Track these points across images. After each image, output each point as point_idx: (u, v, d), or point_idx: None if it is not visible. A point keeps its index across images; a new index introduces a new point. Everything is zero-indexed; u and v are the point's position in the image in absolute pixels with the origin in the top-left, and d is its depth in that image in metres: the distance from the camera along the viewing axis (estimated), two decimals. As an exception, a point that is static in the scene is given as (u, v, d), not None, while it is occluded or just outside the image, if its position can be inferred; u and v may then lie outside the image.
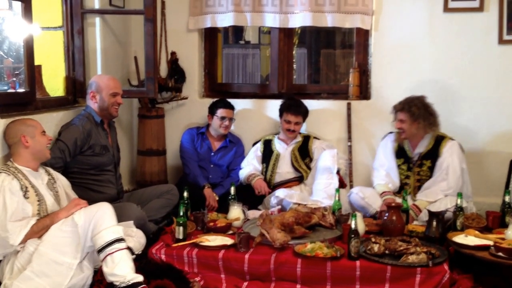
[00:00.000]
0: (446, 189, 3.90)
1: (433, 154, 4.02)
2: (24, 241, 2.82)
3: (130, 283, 2.78)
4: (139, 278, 2.81)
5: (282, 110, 4.46)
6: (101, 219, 2.82)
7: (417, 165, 4.06)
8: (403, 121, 3.98)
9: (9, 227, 2.78)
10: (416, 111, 3.95)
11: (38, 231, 2.84)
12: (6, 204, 2.80)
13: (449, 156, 3.96)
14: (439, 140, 4.04)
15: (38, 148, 3.04)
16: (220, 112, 4.50)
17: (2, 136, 3.06)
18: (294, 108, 4.40)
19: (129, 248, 3.17)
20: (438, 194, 3.90)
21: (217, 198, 4.31)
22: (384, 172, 4.13)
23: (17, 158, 3.00)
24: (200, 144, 4.60)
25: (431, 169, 4.02)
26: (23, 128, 3.01)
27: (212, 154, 4.60)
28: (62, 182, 3.28)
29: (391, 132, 4.26)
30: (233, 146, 4.67)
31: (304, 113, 4.45)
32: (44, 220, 2.87)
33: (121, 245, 2.82)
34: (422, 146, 4.06)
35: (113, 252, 2.79)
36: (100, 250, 2.80)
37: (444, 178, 3.94)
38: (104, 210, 2.88)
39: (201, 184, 4.36)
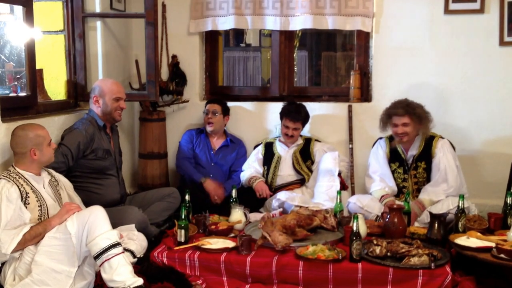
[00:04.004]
0: (447, 189, 3.91)
1: (426, 155, 4.03)
2: (17, 249, 2.80)
3: None
4: (139, 281, 2.81)
5: (282, 115, 4.48)
6: (94, 225, 2.79)
7: (412, 168, 4.07)
8: (407, 124, 3.95)
9: (2, 236, 2.77)
10: (422, 114, 3.96)
11: (31, 239, 2.83)
12: (1, 213, 2.80)
13: (443, 155, 3.97)
14: (430, 140, 4.05)
15: (44, 160, 3.05)
16: (205, 108, 4.61)
17: (9, 140, 3.05)
18: (293, 114, 4.40)
19: (130, 251, 3.20)
20: (440, 195, 3.90)
21: (218, 201, 4.32)
22: (378, 177, 4.13)
23: (20, 164, 3.00)
24: (199, 143, 4.62)
25: (427, 170, 4.03)
26: (34, 140, 2.97)
27: (213, 153, 4.61)
28: (65, 184, 3.29)
29: (380, 138, 4.27)
30: (235, 146, 4.68)
31: (303, 119, 4.46)
32: (37, 228, 2.84)
33: (117, 250, 2.80)
34: (415, 148, 4.07)
35: (110, 258, 2.76)
36: (96, 257, 2.78)
37: (444, 179, 3.94)
38: (97, 215, 2.83)
39: (198, 181, 4.38)
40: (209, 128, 4.59)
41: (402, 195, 3.98)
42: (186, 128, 4.88)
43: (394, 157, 4.14)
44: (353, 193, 4.53)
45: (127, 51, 4.90)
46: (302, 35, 7.71)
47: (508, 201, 3.55)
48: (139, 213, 3.60)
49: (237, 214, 3.69)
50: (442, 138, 4.07)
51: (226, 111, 4.65)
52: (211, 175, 4.54)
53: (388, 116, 4.03)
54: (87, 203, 3.25)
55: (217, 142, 4.66)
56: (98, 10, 4.35)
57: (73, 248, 2.79)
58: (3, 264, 2.91)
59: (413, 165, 4.06)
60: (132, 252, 3.22)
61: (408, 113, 3.94)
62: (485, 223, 3.58)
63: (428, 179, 4.04)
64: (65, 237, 2.80)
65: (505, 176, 4.17)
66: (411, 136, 4.00)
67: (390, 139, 4.18)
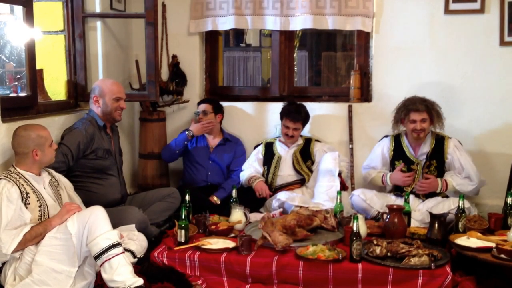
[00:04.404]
0: (471, 184, 3.98)
1: (438, 154, 4.06)
2: (18, 249, 2.81)
3: None
4: (140, 282, 2.81)
5: (282, 115, 4.48)
6: (94, 225, 2.79)
7: (426, 166, 4.08)
8: (425, 120, 3.98)
9: (2, 236, 2.77)
10: (439, 111, 4.03)
11: (31, 239, 2.83)
12: (2, 213, 2.80)
13: (459, 154, 4.02)
14: (440, 139, 4.08)
15: (45, 161, 3.06)
16: (196, 109, 4.63)
17: (9, 140, 3.05)
18: (293, 114, 4.40)
19: (131, 252, 3.20)
20: (466, 187, 3.96)
21: (218, 202, 4.32)
22: (376, 171, 4.22)
23: (21, 164, 3.00)
24: (195, 141, 4.61)
25: (437, 168, 4.06)
26: (36, 141, 2.98)
27: (210, 151, 4.62)
28: (65, 184, 3.29)
29: (386, 136, 4.28)
30: (232, 145, 4.68)
31: (303, 119, 4.45)
32: (37, 228, 2.85)
33: (118, 250, 2.80)
34: (426, 146, 4.09)
35: (110, 258, 2.77)
36: (97, 257, 2.78)
37: (465, 176, 3.99)
38: (97, 215, 2.84)
39: (187, 136, 4.49)
40: None
41: (404, 194, 3.97)
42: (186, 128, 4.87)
43: (398, 155, 4.16)
44: (353, 193, 4.54)
45: (127, 51, 4.90)
46: (302, 35, 7.72)
47: (508, 201, 3.55)
48: (139, 213, 3.60)
49: (237, 214, 3.69)
50: (450, 137, 4.10)
51: (218, 109, 4.64)
52: (209, 173, 4.55)
53: (407, 112, 4.02)
54: (88, 203, 3.25)
55: (214, 141, 4.66)
56: (98, 10, 4.35)
57: (73, 248, 2.79)
58: (3, 264, 2.91)
59: (427, 163, 4.08)
60: (132, 252, 3.22)
61: (427, 109, 3.98)
62: (485, 223, 3.58)
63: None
64: (66, 237, 2.80)
65: (505, 176, 4.17)
66: (427, 133, 4.05)
67: (396, 138, 4.20)
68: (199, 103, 4.69)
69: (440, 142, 4.08)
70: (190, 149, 4.60)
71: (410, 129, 4.02)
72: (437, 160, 4.06)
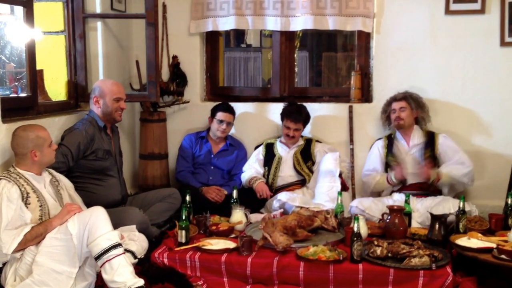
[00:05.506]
0: (465, 168, 4.09)
1: (430, 145, 4.23)
2: (18, 249, 2.81)
3: None
4: (140, 282, 2.81)
5: (283, 116, 4.48)
6: (95, 226, 2.79)
7: (423, 153, 4.20)
8: (404, 108, 4.24)
9: (3, 236, 2.77)
10: (419, 99, 4.30)
11: (32, 239, 2.83)
12: (2, 213, 2.80)
13: (450, 141, 4.22)
14: (431, 134, 4.28)
15: (45, 161, 3.06)
16: (219, 115, 4.53)
17: (9, 141, 3.04)
18: (294, 115, 4.40)
19: (131, 252, 3.20)
20: (460, 170, 4.08)
21: (225, 192, 4.33)
22: (375, 171, 4.31)
23: (21, 165, 3.00)
24: (199, 147, 4.61)
25: (431, 157, 4.18)
26: (35, 142, 2.97)
27: (213, 156, 4.61)
28: (66, 184, 3.29)
29: (379, 139, 4.41)
30: (234, 149, 4.67)
31: (304, 119, 4.46)
32: (38, 228, 2.85)
33: (118, 250, 2.80)
34: (417, 138, 4.28)
35: (111, 259, 2.77)
36: (97, 258, 2.78)
37: (458, 161, 4.12)
38: (98, 215, 2.84)
39: (197, 186, 4.38)
40: (220, 135, 4.55)
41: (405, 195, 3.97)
42: (187, 128, 4.87)
43: (390, 150, 4.29)
44: (353, 194, 4.53)
45: (128, 52, 4.89)
46: (303, 35, 7.70)
47: (509, 202, 3.56)
48: (140, 214, 3.60)
49: (238, 215, 3.69)
50: (439, 134, 4.28)
51: (234, 119, 4.64)
52: (211, 178, 4.54)
53: (388, 104, 4.35)
54: (88, 204, 3.25)
55: (217, 147, 4.65)
56: (98, 10, 4.35)
57: (74, 249, 2.79)
58: (4, 264, 2.91)
59: (424, 151, 4.21)
60: (133, 253, 3.21)
61: (405, 98, 4.28)
62: (486, 223, 3.59)
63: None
64: (66, 238, 2.80)
65: (506, 177, 4.18)
66: (408, 122, 4.24)
67: (388, 136, 4.36)
68: (218, 110, 4.55)
69: (430, 136, 4.26)
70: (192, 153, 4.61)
71: (393, 119, 4.28)
72: (430, 150, 4.20)
